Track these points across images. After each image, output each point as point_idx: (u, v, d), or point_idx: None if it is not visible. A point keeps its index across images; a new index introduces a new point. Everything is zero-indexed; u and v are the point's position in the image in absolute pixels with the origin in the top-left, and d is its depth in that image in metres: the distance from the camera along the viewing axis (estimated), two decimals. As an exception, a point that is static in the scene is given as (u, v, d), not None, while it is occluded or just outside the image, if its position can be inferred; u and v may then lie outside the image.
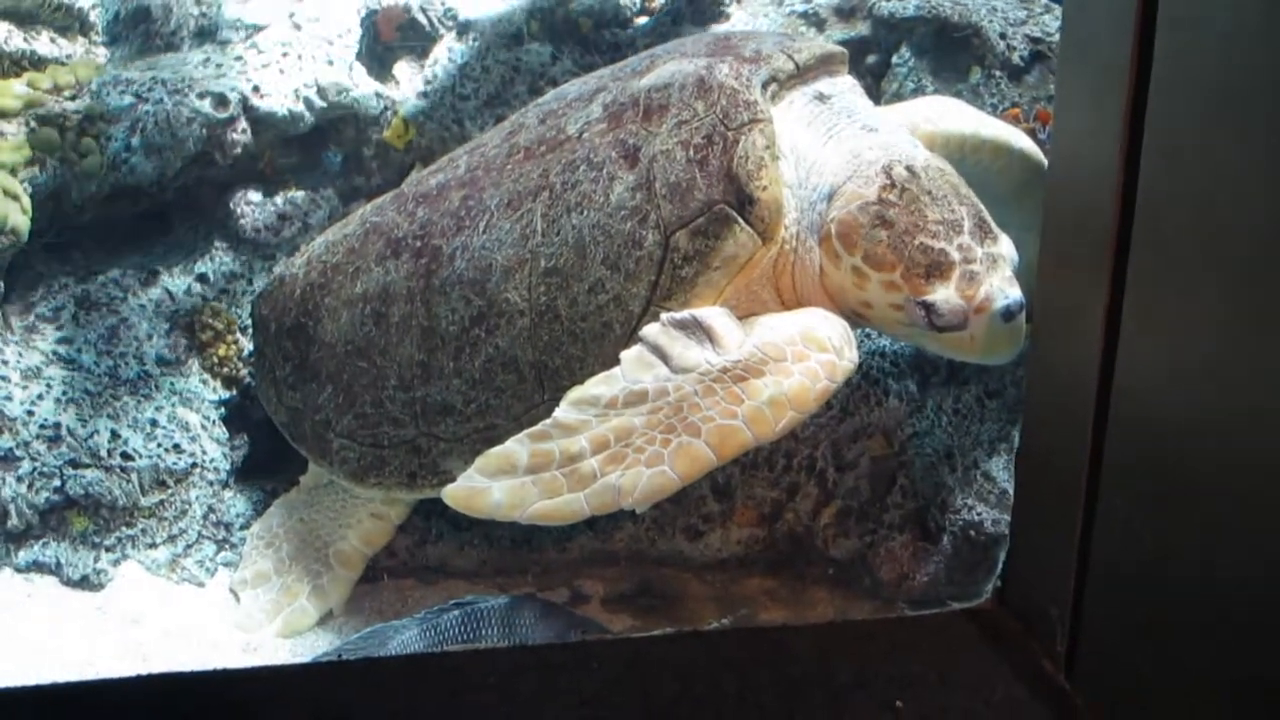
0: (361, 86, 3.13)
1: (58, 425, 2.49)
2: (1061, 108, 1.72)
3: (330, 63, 3.07)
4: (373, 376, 2.34)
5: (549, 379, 2.13)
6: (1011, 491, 2.29)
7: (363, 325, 2.37)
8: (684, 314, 2.03)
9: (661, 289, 2.07)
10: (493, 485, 1.94)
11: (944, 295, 1.98)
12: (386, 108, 3.19)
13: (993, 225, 2.06)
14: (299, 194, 3.07)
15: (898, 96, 2.88)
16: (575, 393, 2.01)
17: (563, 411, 1.99)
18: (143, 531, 2.55)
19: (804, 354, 1.98)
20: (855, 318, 2.12)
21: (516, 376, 2.17)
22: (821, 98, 2.24)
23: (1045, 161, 2.32)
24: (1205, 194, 1.37)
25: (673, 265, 2.07)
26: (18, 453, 2.45)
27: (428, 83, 3.25)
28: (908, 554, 2.45)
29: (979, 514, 2.37)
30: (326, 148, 3.18)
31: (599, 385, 2.00)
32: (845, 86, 2.31)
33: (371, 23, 3.24)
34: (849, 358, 2.01)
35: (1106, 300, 1.55)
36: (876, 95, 3.00)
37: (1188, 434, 1.42)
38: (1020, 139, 2.43)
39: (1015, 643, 1.75)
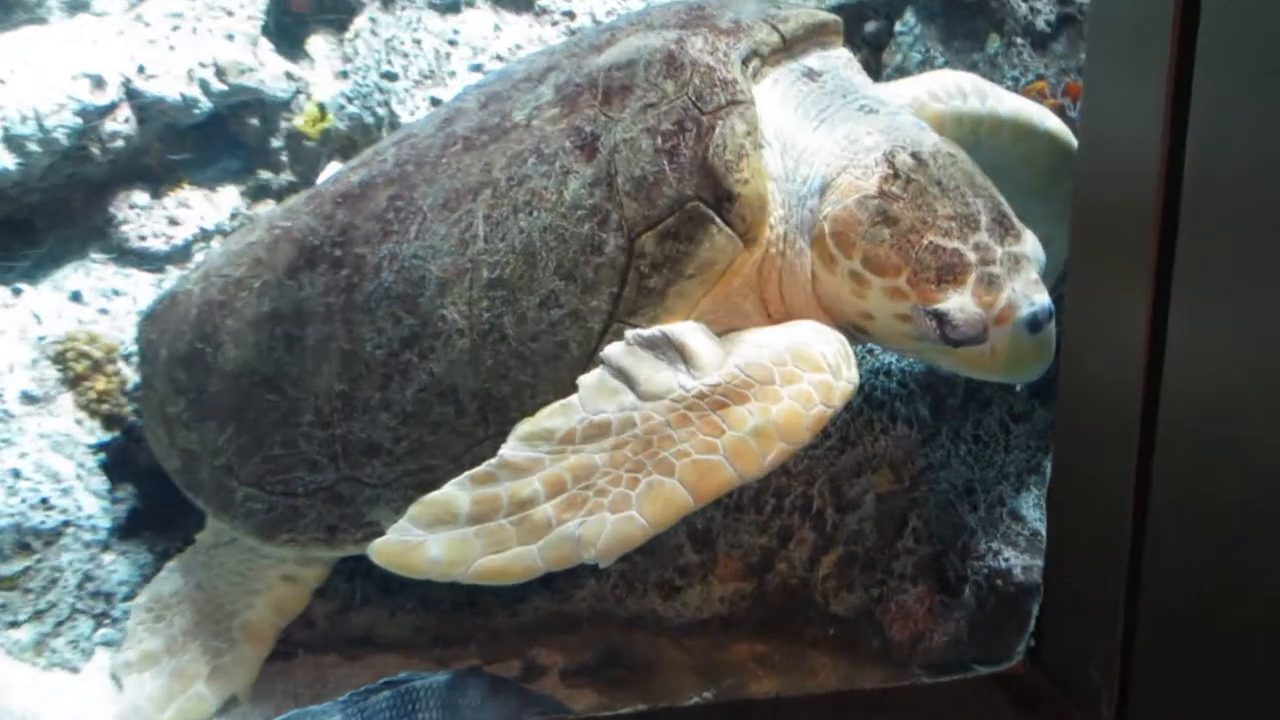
0: (269, 65, 3.13)
1: (-102, 478, 2.48)
2: (1093, 79, 1.74)
3: (230, 37, 3.07)
4: (284, 412, 2.34)
5: (494, 411, 2.13)
6: (1044, 532, 2.31)
7: (272, 350, 2.36)
8: (653, 331, 2.04)
9: (625, 302, 2.08)
10: (429, 538, 1.93)
11: (958, 303, 1.99)
12: (299, 90, 3.20)
13: (1014, 220, 2.08)
14: (194, 195, 3.07)
15: (902, 71, 2.91)
16: (525, 426, 2.01)
17: (511, 449, 1.99)
18: (2, 606, 2.51)
19: (795, 375, 1.99)
20: (855, 331, 2.13)
21: (455, 408, 2.16)
22: (812, 75, 2.26)
23: (1075, 144, 2.34)
24: (1264, 177, 1.38)
25: (638, 274, 2.08)
26: None
27: (348, 60, 3.26)
28: (923, 609, 2.45)
29: (1006, 560, 2.38)
30: (227, 139, 3.18)
31: (553, 417, 2.01)
32: (839, 61, 2.33)
33: (280, -12, 3.25)
34: (848, 378, 2.02)
35: (1150, 304, 1.57)
36: (877, 70, 3.02)
37: (1253, 458, 1.43)
38: (1046, 118, 2.45)
39: (1052, 711, 1.76)
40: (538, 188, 2.17)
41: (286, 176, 3.23)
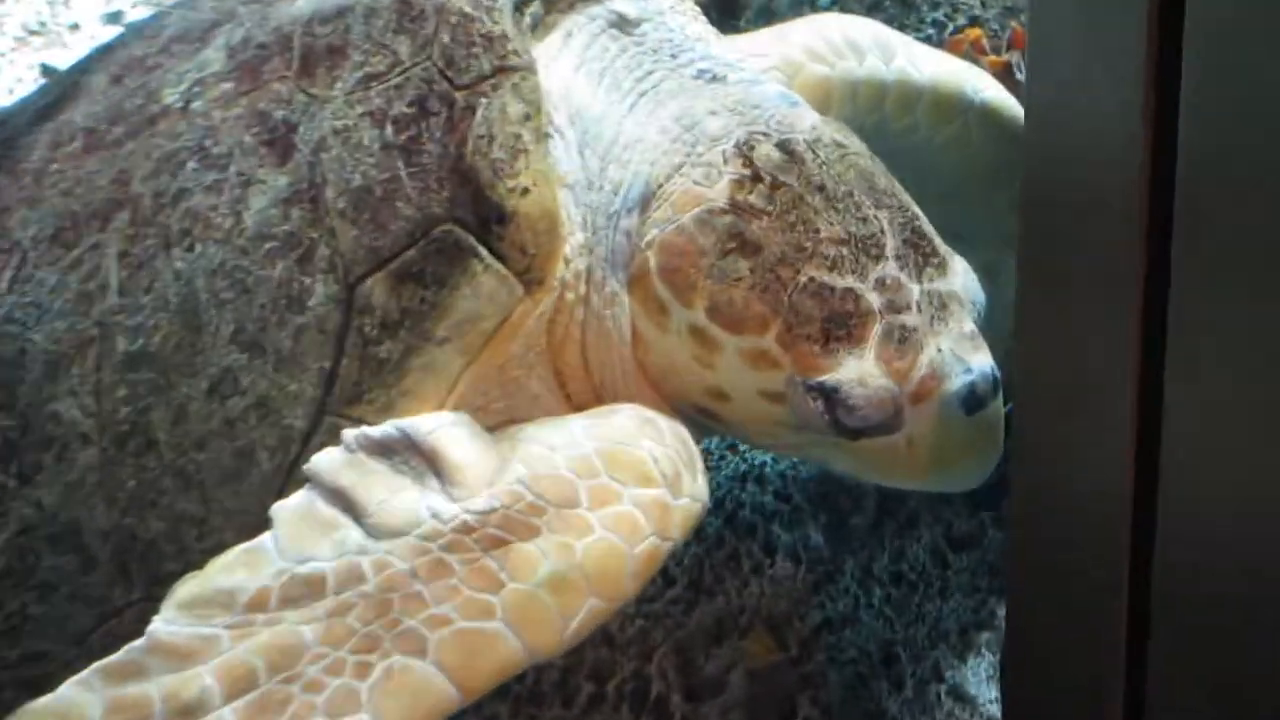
0: None
1: None
2: (1041, 23, 1.77)
3: None
4: None
5: (139, 562, 2.09)
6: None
7: None
8: (387, 428, 2.03)
9: (343, 383, 2.07)
10: (37, 771, 1.89)
11: (856, 372, 2.01)
12: None
13: (937, 242, 2.12)
14: None
15: (766, 15, 2.94)
16: (190, 586, 1.97)
17: (167, 622, 1.94)
18: None
19: (610, 491, 1.98)
20: (703, 418, 2.15)
21: (78, 559, 2.12)
22: (624, 25, 2.30)
23: (1025, 122, 2.39)
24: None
25: (362, 339, 2.06)
26: None
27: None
28: (822, 846, 2.46)
29: (946, 764, 2.40)
30: None
31: (233, 570, 1.97)
32: (666, 3, 2.36)
33: None
34: (692, 493, 2.02)
35: (1138, 361, 1.59)
36: (729, 13, 3.04)
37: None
38: (983, 85, 2.51)
39: None
40: (202, 208, 2.15)
41: None
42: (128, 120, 2.27)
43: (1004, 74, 2.58)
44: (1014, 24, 2.79)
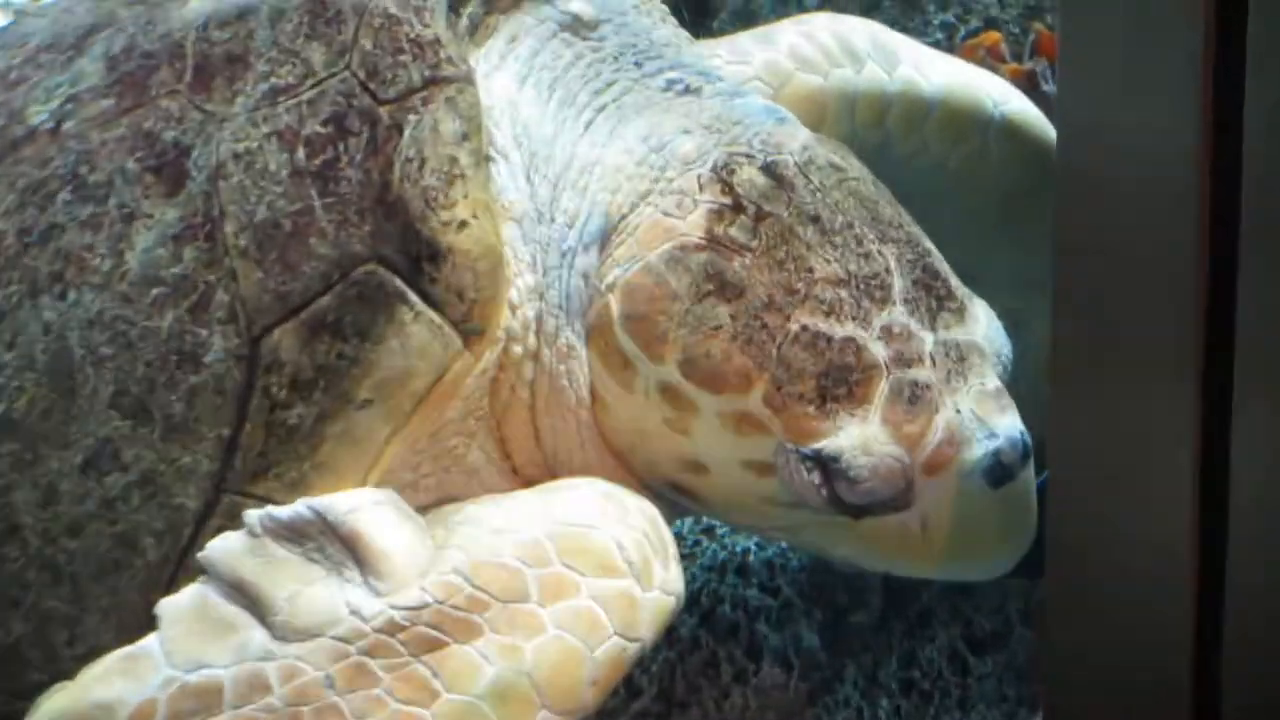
0: None
1: None
2: (1075, 24, 1.75)
3: None
4: None
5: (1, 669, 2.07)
6: None
7: None
8: (297, 508, 2.00)
9: (246, 455, 2.04)
10: None
11: (859, 437, 1.99)
12: None
13: (953, 283, 2.12)
14: None
15: (746, 16, 2.92)
16: (60, 698, 1.94)
17: (35, 743, 1.93)
18: None
19: (566, 582, 1.96)
20: (675, 493, 2.14)
21: (-74, 668, 2.10)
22: (578, 27, 2.29)
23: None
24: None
25: (269, 403, 2.04)
26: None
27: None
28: None
29: None
30: None
31: (112, 679, 1.93)
32: (628, 2, 2.36)
33: None
34: (664, 584, 2.00)
35: (1198, 420, 1.57)
36: (702, 14, 3.04)
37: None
38: (1004, 97, 2.51)
39: None
40: (77, 248, 2.13)
41: None
42: (-11, 144, 2.26)
43: (1027, 84, 2.57)
44: (1038, 26, 2.78)
